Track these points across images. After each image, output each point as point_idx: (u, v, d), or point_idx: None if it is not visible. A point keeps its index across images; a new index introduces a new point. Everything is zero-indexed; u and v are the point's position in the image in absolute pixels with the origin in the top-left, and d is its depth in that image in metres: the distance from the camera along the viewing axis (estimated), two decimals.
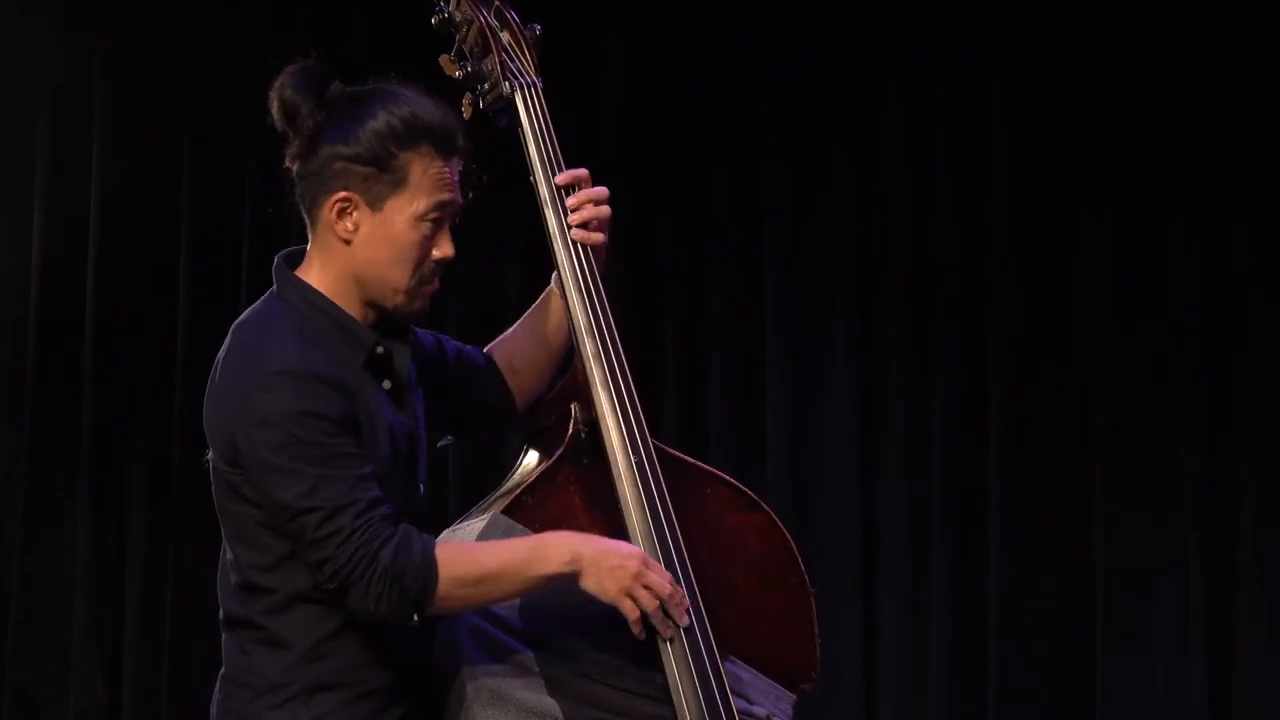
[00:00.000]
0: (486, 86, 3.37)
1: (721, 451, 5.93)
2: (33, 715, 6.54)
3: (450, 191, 3.21)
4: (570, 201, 3.34)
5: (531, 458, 3.37)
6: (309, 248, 3.26)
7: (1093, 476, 5.70)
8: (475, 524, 3.24)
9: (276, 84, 3.22)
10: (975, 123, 5.89)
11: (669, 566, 3.21)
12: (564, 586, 3.16)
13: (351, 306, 3.22)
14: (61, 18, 6.59)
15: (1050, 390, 5.77)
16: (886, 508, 5.91)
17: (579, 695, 3.19)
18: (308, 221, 3.25)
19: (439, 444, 3.50)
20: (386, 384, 3.22)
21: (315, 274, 3.23)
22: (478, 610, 3.19)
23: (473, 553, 3.16)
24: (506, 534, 3.20)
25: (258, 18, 6.38)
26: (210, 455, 3.20)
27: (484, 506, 3.30)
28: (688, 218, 6.13)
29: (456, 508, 4.80)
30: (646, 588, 3.15)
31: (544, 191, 3.35)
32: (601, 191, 3.36)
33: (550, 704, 3.17)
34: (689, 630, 3.21)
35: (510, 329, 3.50)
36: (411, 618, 3.11)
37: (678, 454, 3.34)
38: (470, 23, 3.39)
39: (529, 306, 3.48)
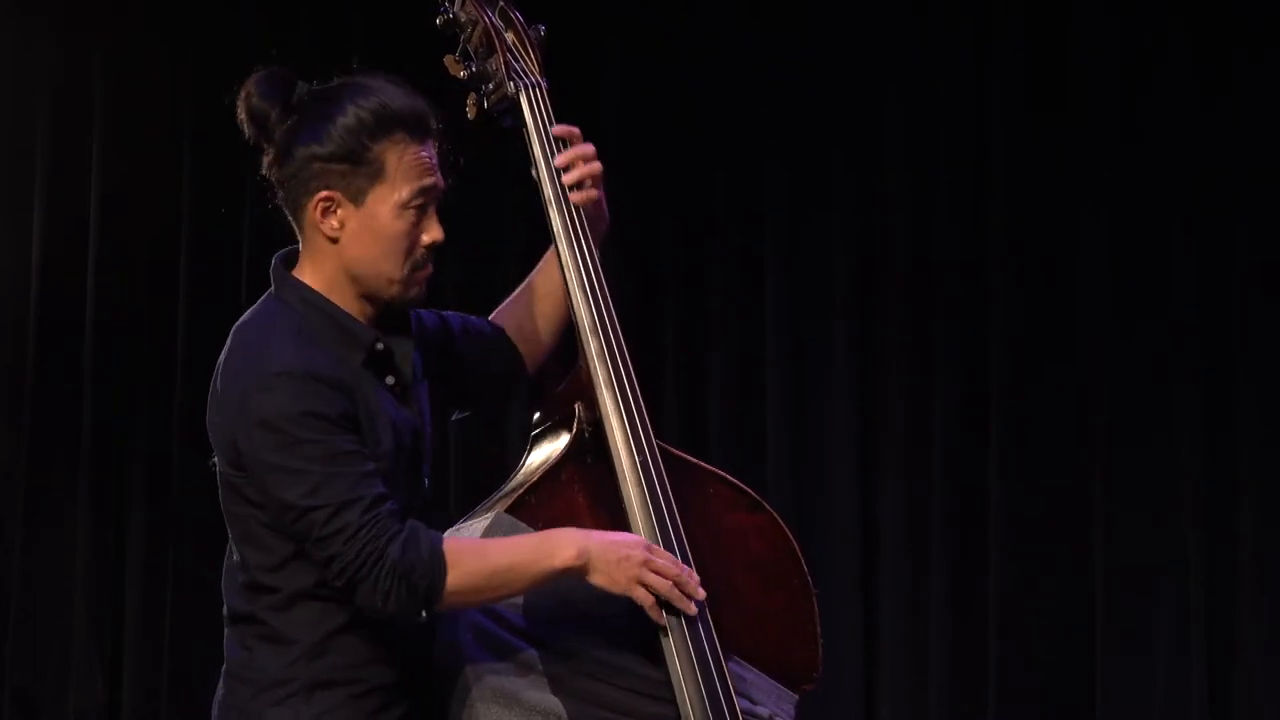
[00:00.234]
0: (491, 87, 3.37)
1: (721, 451, 5.93)
2: (33, 715, 6.54)
3: (430, 176, 3.20)
4: (559, 160, 3.34)
5: (535, 457, 3.37)
6: (300, 249, 3.26)
7: (1093, 476, 5.70)
8: (479, 523, 3.24)
9: (242, 94, 3.22)
10: (975, 123, 5.89)
11: None
12: (567, 585, 3.17)
13: (348, 303, 3.22)
14: (61, 18, 6.59)
15: (1050, 390, 5.77)
16: (886, 508, 5.91)
17: (582, 694, 3.19)
18: (295, 225, 3.25)
19: (453, 418, 3.51)
20: (390, 379, 3.23)
21: (310, 274, 3.24)
22: (481, 608, 3.19)
23: (481, 548, 3.16)
24: (510, 533, 3.21)
25: (258, 18, 6.37)
26: (215, 458, 3.21)
27: (487, 506, 3.30)
28: (688, 217, 6.13)
29: (458, 507, 4.80)
30: (655, 573, 3.16)
31: (548, 191, 3.35)
32: (589, 148, 3.36)
33: (554, 702, 3.17)
34: (693, 629, 3.21)
35: (515, 292, 3.50)
36: (420, 614, 3.11)
37: (680, 454, 3.35)
38: (475, 23, 3.39)
39: None
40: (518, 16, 3.42)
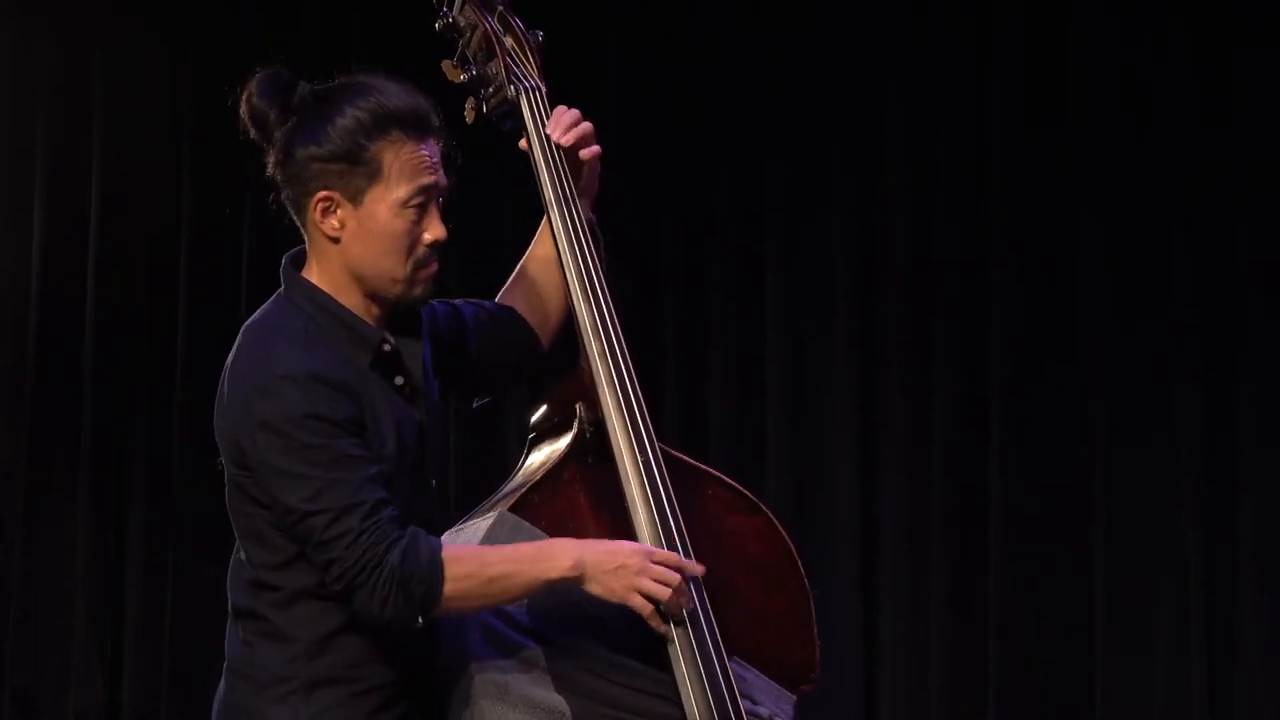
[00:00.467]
0: (490, 90, 3.37)
1: (722, 450, 5.93)
2: (33, 715, 6.54)
3: (430, 174, 3.19)
4: (550, 129, 3.33)
5: (536, 457, 3.37)
6: (306, 250, 3.27)
7: (1093, 475, 5.70)
8: (481, 523, 3.24)
9: (243, 95, 3.22)
10: (976, 121, 5.90)
11: None
12: (571, 585, 3.17)
13: (355, 303, 3.22)
14: (61, 18, 6.58)
15: (1051, 389, 5.77)
16: (887, 506, 5.91)
17: (586, 691, 3.19)
18: (299, 226, 3.25)
19: (475, 404, 3.51)
20: (399, 380, 3.23)
21: (317, 274, 3.24)
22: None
23: (479, 557, 3.15)
24: (514, 531, 3.21)
25: (258, 18, 6.37)
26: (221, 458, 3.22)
27: (489, 505, 3.30)
28: (688, 216, 6.13)
29: (458, 507, 4.80)
30: (655, 580, 3.16)
31: (549, 194, 3.36)
32: (575, 113, 3.35)
33: (557, 700, 3.17)
34: (696, 629, 3.21)
35: (516, 269, 3.50)
36: (416, 621, 3.12)
37: (679, 455, 3.35)
38: (474, 27, 3.39)
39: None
40: (517, 22, 3.42)
